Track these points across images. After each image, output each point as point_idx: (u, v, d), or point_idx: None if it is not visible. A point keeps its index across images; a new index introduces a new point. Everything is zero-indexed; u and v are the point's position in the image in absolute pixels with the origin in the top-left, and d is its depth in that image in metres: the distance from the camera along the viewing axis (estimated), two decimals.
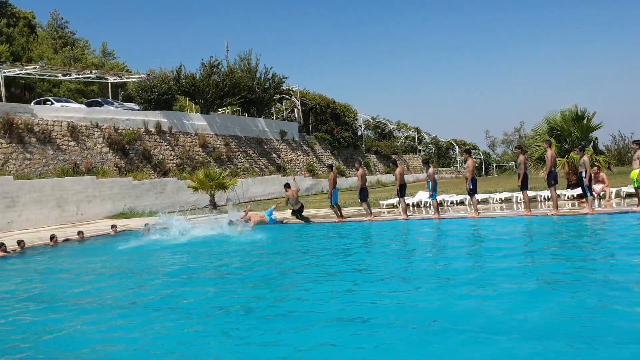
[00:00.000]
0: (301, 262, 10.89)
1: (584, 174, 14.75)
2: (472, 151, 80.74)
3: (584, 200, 15.21)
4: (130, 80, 41.58)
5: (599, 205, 16.13)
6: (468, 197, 17.81)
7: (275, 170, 40.98)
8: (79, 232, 17.76)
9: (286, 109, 52.84)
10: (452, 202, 21.57)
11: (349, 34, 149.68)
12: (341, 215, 17.49)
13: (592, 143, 22.01)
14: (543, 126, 22.70)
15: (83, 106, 33.63)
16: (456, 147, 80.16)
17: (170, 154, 33.68)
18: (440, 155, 77.86)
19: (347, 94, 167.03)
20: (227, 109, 44.28)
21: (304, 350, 5.38)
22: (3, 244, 14.57)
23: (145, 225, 18.37)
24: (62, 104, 32.70)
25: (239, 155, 38.93)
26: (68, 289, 9.62)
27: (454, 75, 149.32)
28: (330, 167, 19.38)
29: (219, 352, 5.55)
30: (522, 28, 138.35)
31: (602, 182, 18.33)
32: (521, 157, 15.93)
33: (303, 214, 18.07)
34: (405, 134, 74.39)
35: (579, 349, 4.91)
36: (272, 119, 47.69)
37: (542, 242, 11.48)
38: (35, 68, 34.68)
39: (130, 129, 31.93)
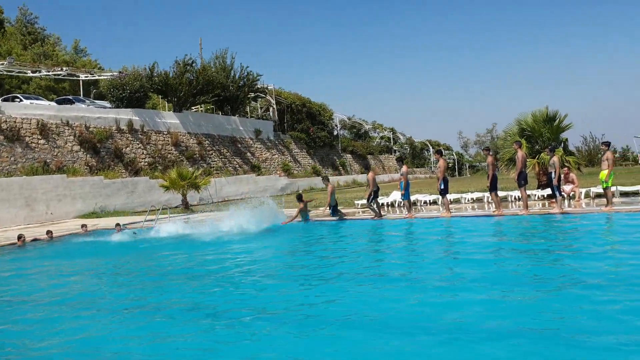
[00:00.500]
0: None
1: (553, 175, 14.92)
2: (446, 152, 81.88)
3: (554, 200, 15.38)
4: (102, 77, 40.90)
5: (569, 206, 16.32)
6: (440, 197, 17.94)
7: (249, 170, 40.73)
8: (48, 232, 17.38)
9: (261, 108, 52.58)
10: (425, 202, 21.70)
11: (326, 34, 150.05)
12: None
13: (562, 144, 22.33)
14: (514, 127, 22.96)
15: (53, 104, 32.98)
16: (430, 147, 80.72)
17: (142, 153, 33.25)
18: (415, 155, 78.33)
19: (323, 93, 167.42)
20: (201, 107, 43.91)
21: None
22: None
23: (117, 225, 18.12)
24: (32, 101, 32.04)
25: (212, 154, 38.60)
26: (31, 287, 9.41)
27: (428, 76, 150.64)
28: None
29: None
30: (494, 30, 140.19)
31: (572, 182, 18.59)
32: (489, 159, 16.05)
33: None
34: (381, 134, 74.67)
35: (548, 349, 4.92)
36: (247, 117, 47.42)
37: (512, 241, 11.57)
38: (2, 64, 33.91)
39: (102, 127, 31.43)
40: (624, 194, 18.22)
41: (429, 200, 21.69)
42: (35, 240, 16.69)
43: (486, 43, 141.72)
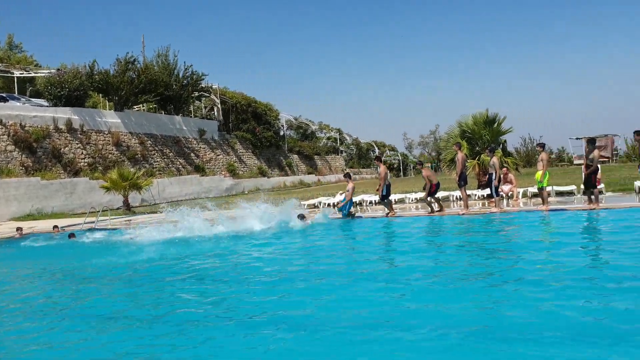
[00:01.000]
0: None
1: (493, 175, 15.36)
2: (391, 152, 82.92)
3: (493, 200, 15.84)
4: (39, 75, 39.31)
5: (507, 205, 16.85)
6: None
7: (193, 171, 40.09)
8: None
9: (205, 107, 51.82)
10: (370, 202, 21.92)
11: (271, 34, 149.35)
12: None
13: (501, 145, 23.02)
14: (455, 129, 23.51)
15: None
16: (376, 148, 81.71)
17: (82, 153, 32.21)
18: (361, 156, 79.08)
19: (269, 93, 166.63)
20: (143, 106, 42.92)
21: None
22: None
23: (55, 227, 17.52)
24: None
25: (155, 154, 37.79)
26: None
27: (374, 78, 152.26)
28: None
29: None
30: (436, 33, 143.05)
31: (510, 182, 19.19)
32: (424, 172, 16.32)
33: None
34: (328, 135, 74.98)
35: (484, 346, 5.02)
36: (191, 117, 46.64)
37: (452, 239, 11.87)
38: None
39: (39, 126, 30.25)
40: (559, 194, 18.92)
41: (375, 200, 21.92)
42: None
43: (429, 45, 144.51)
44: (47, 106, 33.49)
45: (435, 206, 16.22)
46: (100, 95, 40.01)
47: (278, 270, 9.24)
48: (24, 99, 34.56)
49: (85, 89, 35.07)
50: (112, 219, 20.81)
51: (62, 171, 30.11)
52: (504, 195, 18.39)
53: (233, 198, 34.18)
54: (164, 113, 42.54)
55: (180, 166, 39.48)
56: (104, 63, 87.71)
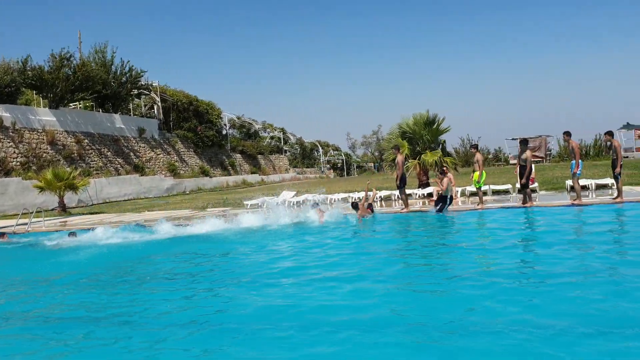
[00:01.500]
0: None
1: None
2: (334, 152, 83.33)
3: (434, 199, 16.19)
4: None
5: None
6: (330, 196, 18.49)
7: (132, 170, 39.04)
8: None
9: (145, 106, 50.58)
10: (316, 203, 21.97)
11: (214, 32, 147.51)
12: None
13: (440, 146, 23.53)
14: (397, 130, 23.85)
15: None
16: (320, 148, 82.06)
17: (14, 152, 30.81)
18: (305, 155, 79.24)
19: (212, 91, 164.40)
20: (80, 104, 41.46)
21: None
22: None
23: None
24: None
25: (92, 153, 36.59)
26: None
27: (318, 77, 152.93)
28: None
29: None
30: (379, 35, 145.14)
31: (450, 182, 19.64)
32: (370, 193, 16.57)
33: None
34: (271, 134, 74.69)
35: (415, 340, 5.13)
36: (130, 115, 45.45)
37: (387, 238, 12.11)
38: None
39: None
40: (496, 192, 19.54)
41: (318, 200, 21.99)
42: None
43: (372, 46, 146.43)
44: None
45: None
46: (34, 92, 38.39)
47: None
48: None
49: (17, 85, 33.61)
50: (46, 220, 20.00)
51: None
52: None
53: (173, 198, 33.60)
54: (102, 111, 41.24)
55: (118, 166, 38.39)
56: (38, 59, 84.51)
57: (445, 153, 23.60)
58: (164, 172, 42.44)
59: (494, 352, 4.69)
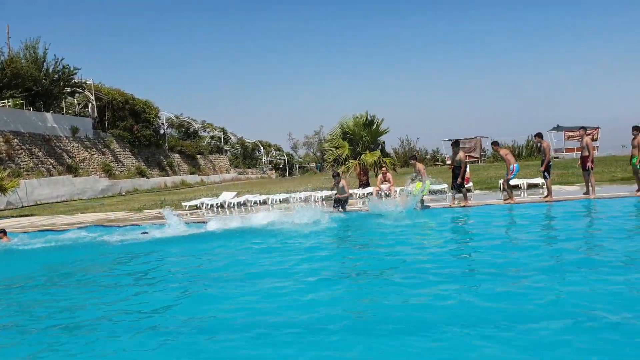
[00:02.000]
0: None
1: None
2: (276, 152, 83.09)
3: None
4: None
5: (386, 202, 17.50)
6: (271, 197, 18.44)
7: (65, 171, 37.56)
8: None
9: (79, 104, 48.75)
10: (255, 202, 21.77)
11: (149, 29, 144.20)
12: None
13: (380, 146, 23.84)
14: (338, 130, 24.01)
15: None
16: (262, 148, 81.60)
17: None
18: (247, 156, 78.60)
19: (149, 90, 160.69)
20: (8, 102, 39.58)
21: None
22: None
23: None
24: None
25: (22, 153, 34.97)
26: None
27: (259, 76, 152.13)
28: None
29: None
30: (317, 35, 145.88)
31: (389, 182, 19.91)
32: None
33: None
34: (211, 134, 73.59)
35: (358, 340, 5.15)
36: (63, 114, 43.74)
37: (333, 236, 12.18)
38: None
39: None
40: (433, 192, 19.95)
41: (259, 201, 21.82)
42: None
43: (313, 45, 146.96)
44: None
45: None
46: None
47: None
48: None
49: None
50: None
51: None
52: (383, 193, 19.14)
53: (108, 200, 32.61)
54: (33, 110, 39.51)
55: (50, 166, 36.87)
56: None
57: (385, 153, 23.93)
58: (98, 173, 41.12)
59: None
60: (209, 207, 21.45)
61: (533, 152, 46.58)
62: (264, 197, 22.15)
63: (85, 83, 45.60)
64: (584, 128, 16.45)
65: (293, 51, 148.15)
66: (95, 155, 42.81)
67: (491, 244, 9.60)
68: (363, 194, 20.84)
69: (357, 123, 23.22)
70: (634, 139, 14.88)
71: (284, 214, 14.85)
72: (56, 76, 40.07)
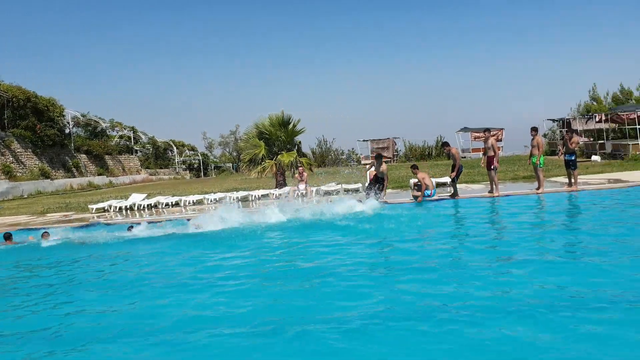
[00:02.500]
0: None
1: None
2: (191, 152, 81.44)
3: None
4: None
5: (302, 202, 17.64)
6: (183, 198, 18.15)
7: None
8: None
9: None
10: (167, 204, 21.16)
11: (53, 20, 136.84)
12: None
13: (296, 146, 23.88)
14: (253, 130, 23.81)
15: None
16: (174, 147, 79.51)
17: None
18: (159, 156, 76.33)
19: (53, 87, 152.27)
20: None
21: None
22: None
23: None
24: None
25: None
26: None
27: (171, 74, 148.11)
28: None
29: None
30: (230, 36, 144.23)
31: (305, 182, 20.03)
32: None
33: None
34: (120, 133, 70.80)
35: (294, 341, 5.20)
36: None
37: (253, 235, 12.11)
38: None
39: None
40: (347, 191, 20.24)
41: (172, 202, 21.24)
42: None
43: (227, 44, 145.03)
44: None
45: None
46: None
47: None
48: None
49: None
50: None
51: None
52: (299, 193, 19.18)
53: (8, 203, 30.65)
54: None
55: None
56: None
57: (301, 154, 23.99)
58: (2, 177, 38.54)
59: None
60: (117, 209, 20.62)
61: (442, 152, 48.48)
62: (176, 198, 21.62)
63: None
64: (489, 129, 17.33)
65: (206, 50, 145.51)
66: None
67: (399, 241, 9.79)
68: (278, 195, 20.77)
69: (273, 123, 23.13)
70: (532, 139, 16.28)
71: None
72: None
